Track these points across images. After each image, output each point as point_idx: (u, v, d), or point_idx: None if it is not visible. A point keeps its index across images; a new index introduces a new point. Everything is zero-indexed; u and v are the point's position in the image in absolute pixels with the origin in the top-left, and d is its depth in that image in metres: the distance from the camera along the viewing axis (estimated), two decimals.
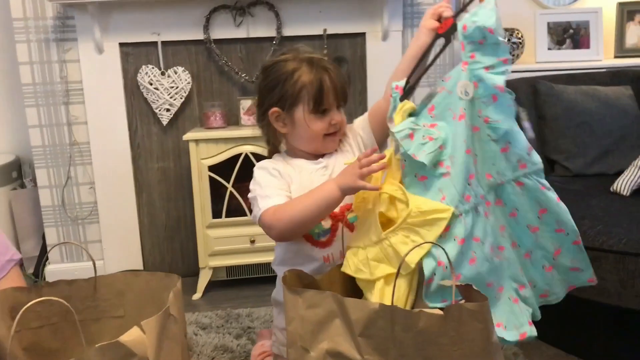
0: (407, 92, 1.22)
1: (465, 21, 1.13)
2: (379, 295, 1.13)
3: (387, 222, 1.16)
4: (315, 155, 1.39)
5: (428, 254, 1.07)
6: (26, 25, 2.34)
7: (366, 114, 1.43)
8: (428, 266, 1.07)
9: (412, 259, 1.07)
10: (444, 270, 1.05)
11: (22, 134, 2.77)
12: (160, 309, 1.29)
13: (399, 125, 1.15)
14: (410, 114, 1.19)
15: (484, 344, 0.91)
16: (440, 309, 0.92)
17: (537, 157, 1.19)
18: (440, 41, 1.25)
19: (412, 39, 1.32)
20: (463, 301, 0.93)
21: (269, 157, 1.46)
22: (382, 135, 1.39)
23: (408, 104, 1.19)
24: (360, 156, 1.20)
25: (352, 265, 1.20)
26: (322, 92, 1.31)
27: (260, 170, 1.37)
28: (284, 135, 1.39)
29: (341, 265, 1.28)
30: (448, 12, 1.25)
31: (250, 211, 2.12)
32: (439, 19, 1.26)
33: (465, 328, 0.90)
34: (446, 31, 1.23)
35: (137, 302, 1.32)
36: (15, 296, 1.24)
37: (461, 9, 1.24)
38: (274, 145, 1.45)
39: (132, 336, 0.97)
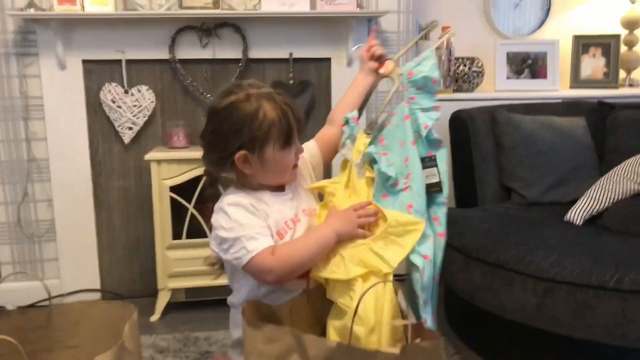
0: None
1: (412, 69, 1.36)
2: (360, 291, 1.14)
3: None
4: (277, 187, 1.37)
5: (413, 251, 1.21)
6: None
7: (314, 141, 1.48)
8: (418, 261, 1.21)
9: (394, 259, 1.18)
10: (430, 262, 1.22)
11: None
12: (115, 339, 1.28)
13: (369, 148, 1.32)
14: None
15: None
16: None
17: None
18: None
19: (357, 76, 1.49)
20: (418, 340, 0.95)
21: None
22: (328, 160, 1.50)
23: (364, 136, 1.37)
24: (355, 206, 1.28)
25: (324, 268, 1.24)
26: (290, 127, 1.28)
27: (236, 208, 1.27)
28: (246, 175, 1.33)
29: (301, 292, 1.29)
30: (380, 51, 1.45)
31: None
32: (377, 58, 1.45)
33: None
34: (390, 74, 1.44)
35: (92, 332, 1.30)
36: None
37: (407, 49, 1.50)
38: (226, 185, 1.40)
39: None
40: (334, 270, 1.22)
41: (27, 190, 2.43)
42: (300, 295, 1.30)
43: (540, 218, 2.09)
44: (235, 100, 1.27)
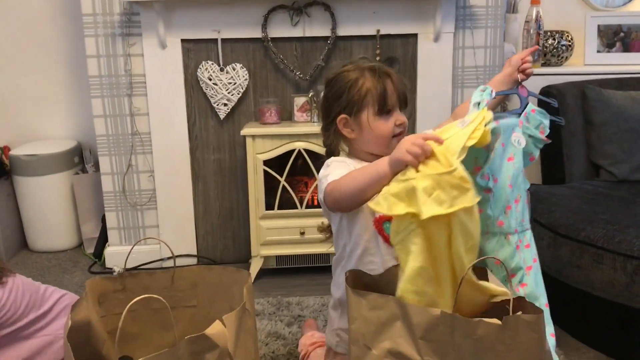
0: None
1: (537, 111, 1.39)
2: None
3: None
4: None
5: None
6: (95, 20, 2.47)
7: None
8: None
9: (428, 211, 1.03)
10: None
11: (84, 122, 2.95)
12: (228, 301, 1.41)
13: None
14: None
15: (538, 352, 0.99)
16: (499, 318, 1.00)
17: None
18: None
19: (496, 77, 1.49)
20: (520, 313, 1.02)
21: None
22: None
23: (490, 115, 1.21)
24: (415, 135, 1.17)
25: (375, 199, 1.16)
26: (385, 94, 1.40)
27: (337, 162, 1.43)
28: (351, 140, 1.46)
29: (397, 265, 1.38)
30: (530, 71, 1.45)
31: (302, 204, 2.29)
32: (524, 73, 1.45)
33: (521, 337, 0.99)
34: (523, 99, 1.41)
35: (208, 294, 1.44)
36: (102, 284, 1.38)
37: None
38: (333, 154, 1.51)
39: (215, 329, 1.09)
40: (380, 202, 1.12)
41: (130, 162, 2.62)
42: (395, 268, 1.39)
43: (629, 196, 2.08)
44: (342, 70, 1.45)
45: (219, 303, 1.43)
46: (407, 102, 1.46)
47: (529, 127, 1.38)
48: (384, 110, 1.41)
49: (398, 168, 1.16)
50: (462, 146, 1.09)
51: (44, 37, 2.90)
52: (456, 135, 1.13)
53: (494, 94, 1.30)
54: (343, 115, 1.43)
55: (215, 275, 1.43)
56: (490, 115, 1.18)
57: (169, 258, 2.63)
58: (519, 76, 1.44)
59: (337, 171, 1.37)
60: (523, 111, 1.37)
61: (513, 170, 1.31)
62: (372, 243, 1.41)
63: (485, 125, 1.14)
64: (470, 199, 1.04)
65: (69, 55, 2.91)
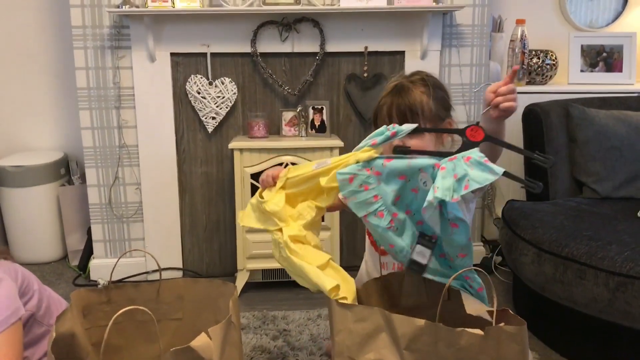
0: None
1: (473, 160, 1.13)
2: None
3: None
4: None
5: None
6: (84, 33, 2.48)
7: None
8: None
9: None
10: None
11: (71, 134, 2.95)
12: (214, 314, 1.41)
13: (346, 169, 1.26)
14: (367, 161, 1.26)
15: None
16: (481, 329, 1.02)
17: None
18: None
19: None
20: (502, 324, 1.03)
21: None
22: None
23: (371, 152, 1.26)
24: (274, 170, 1.45)
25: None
26: (379, 112, 1.48)
27: None
28: None
29: (377, 278, 1.41)
30: (507, 105, 1.24)
31: None
32: (496, 105, 1.25)
33: (504, 349, 1.00)
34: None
35: (194, 307, 1.44)
36: (87, 296, 1.37)
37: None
38: None
39: (200, 342, 1.09)
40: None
41: (117, 174, 2.62)
42: (372, 281, 1.41)
43: (612, 213, 2.11)
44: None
45: (204, 316, 1.43)
46: (405, 116, 1.43)
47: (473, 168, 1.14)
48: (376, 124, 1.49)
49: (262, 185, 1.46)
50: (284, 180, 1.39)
51: (32, 48, 2.90)
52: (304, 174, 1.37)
53: (390, 137, 1.24)
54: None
55: (201, 288, 1.43)
56: (364, 156, 1.25)
57: (154, 271, 2.62)
58: (491, 112, 1.26)
59: None
60: (458, 152, 1.17)
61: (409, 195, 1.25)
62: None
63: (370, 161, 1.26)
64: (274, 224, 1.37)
65: (58, 66, 2.91)
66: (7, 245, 2.91)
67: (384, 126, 1.27)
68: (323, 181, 1.32)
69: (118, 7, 2.38)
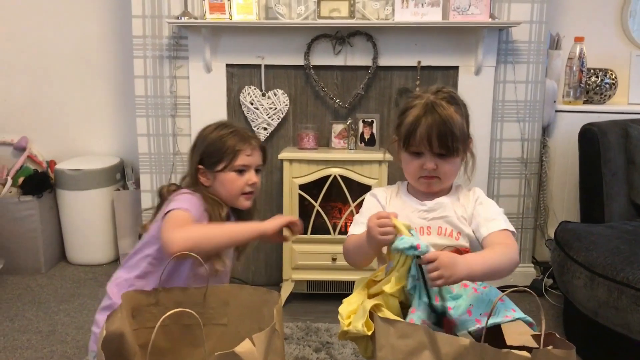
0: None
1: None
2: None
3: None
4: (423, 196, 1.45)
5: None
6: (144, 42, 2.56)
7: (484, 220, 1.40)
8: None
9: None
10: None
11: (128, 140, 3.04)
12: (257, 322, 1.42)
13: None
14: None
15: None
16: (528, 351, 0.99)
17: None
18: None
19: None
20: (550, 347, 1.00)
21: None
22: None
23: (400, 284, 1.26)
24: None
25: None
26: (413, 131, 1.35)
27: (369, 196, 1.51)
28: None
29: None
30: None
31: (334, 230, 2.47)
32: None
33: None
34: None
35: (239, 313, 1.45)
36: (137, 298, 1.40)
37: None
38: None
39: (244, 348, 1.09)
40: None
41: (171, 181, 2.68)
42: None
43: None
44: (413, 94, 1.49)
45: (248, 323, 1.44)
46: (448, 147, 1.35)
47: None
48: (410, 150, 1.38)
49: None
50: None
51: (94, 57, 3.01)
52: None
53: (416, 250, 1.20)
54: (394, 137, 1.45)
55: (247, 294, 1.44)
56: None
57: None
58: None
59: (359, 217, 1.47)
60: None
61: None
62: None
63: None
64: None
65: (117, 75, 3.02)
66: (62, 246, 3.01)
67: (411, 238, 1.20)
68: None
69: (177, 18, 2.45)
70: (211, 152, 1.60)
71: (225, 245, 1.58)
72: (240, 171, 1.61)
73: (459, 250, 1.35)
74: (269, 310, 1.33)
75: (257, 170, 1.67)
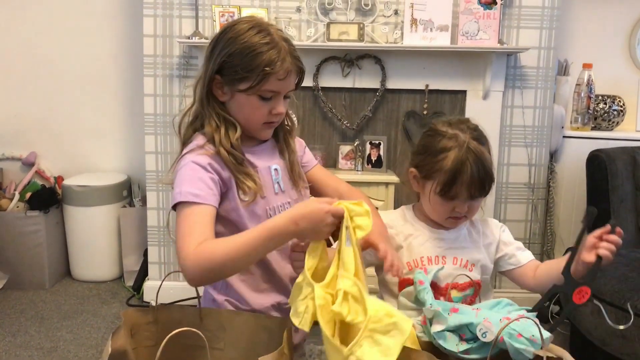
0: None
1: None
2: None
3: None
4: (437, 226, 1.39)
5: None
6: (154, 61, 2.58)
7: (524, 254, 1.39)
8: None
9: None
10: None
11: (135, 157, 3.05)
12: (254, 348, 1.40)
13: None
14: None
15: None
16: None
17: None
18: None
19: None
20: None
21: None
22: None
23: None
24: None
25: None
26: (455, 180, 1.28)
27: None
28: (418, 196, 1.40)
29: None
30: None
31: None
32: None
33: None
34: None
35: (235, 338, 1.43)
36: (135, 316, 1.39)
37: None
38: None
39: None
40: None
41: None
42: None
43: None
44: (440, 130, 1.34)
45: (244, 347, 1.42)
46: (485, 189, 1.30)
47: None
48: (447, 196, 1.30)
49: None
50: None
51: (105, 75, 3.04)
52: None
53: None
54: (414, 170, 1.36)
55: (242, 320, 1.42)
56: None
57: (193, 297, 2.64)
58: (585, 256, 1.21)
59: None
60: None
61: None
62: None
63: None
64: (404, 331, 0.95)
65: (127, 92, 3.04)
66: (67, 262, 3.01)
67: (437, 302, 1.12)
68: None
69: (188, 38, 2.47)
70: (235, 63, 1.21)
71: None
72: (267, 98, 1.24)
73: (472, 283, 1.32)
74: (270, 335, 1.31)
75: (285, 97, 1.28)
